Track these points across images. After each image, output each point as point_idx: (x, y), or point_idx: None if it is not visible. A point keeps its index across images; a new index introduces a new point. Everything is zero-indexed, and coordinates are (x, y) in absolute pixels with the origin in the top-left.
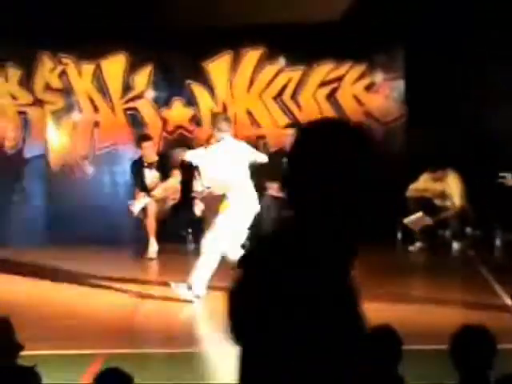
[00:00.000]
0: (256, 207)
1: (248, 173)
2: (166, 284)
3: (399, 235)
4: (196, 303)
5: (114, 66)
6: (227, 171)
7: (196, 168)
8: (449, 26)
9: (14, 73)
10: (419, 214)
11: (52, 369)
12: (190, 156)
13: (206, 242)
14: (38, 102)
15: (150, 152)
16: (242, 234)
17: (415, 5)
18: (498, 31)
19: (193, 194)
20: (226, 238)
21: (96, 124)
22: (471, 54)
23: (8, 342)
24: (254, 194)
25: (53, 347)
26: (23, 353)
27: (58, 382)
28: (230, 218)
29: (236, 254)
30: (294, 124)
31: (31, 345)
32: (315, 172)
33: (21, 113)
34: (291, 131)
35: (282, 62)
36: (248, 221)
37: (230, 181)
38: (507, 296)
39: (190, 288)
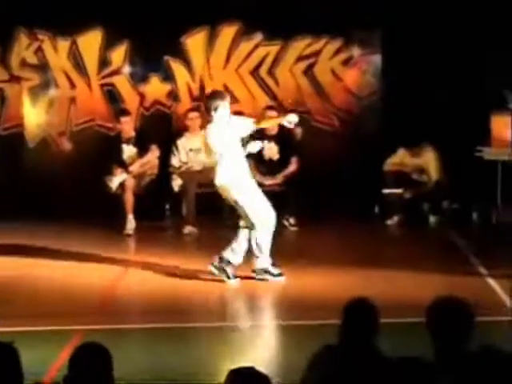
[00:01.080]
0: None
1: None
2: (144, 262)
3: (377, 209)
4: (174, 280)
5: (91, 41)
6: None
7: (174, 143)
8: (426, 1)
9: None
10: (399, 190)
11: (31, 345)
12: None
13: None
14: (15, 79)
15: (128, 127)
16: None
17: None
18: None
19: (170, 169)
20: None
21: (73, 100)
22: (447, 30)
23: None
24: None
25: (31, 324)
26: (1, 329)
27: (36, 358)
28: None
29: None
30: (273, 106)
31: (8, 321)
32: None
33: None
34: (272, 113)
35: (258, 37)
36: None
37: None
38: (484, 269)
39: (266, 272)
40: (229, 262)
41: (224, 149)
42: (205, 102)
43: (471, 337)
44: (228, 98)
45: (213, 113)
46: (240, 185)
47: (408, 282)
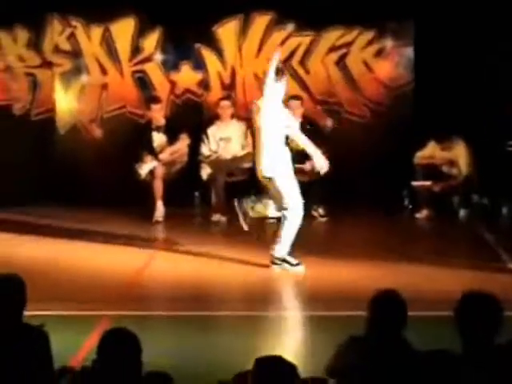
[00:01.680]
0: None
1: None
2: (173, 249)
3: (406, 202)
4: (202, 267)
5: (123, 28)
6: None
7: (204, 132)
8: None
9: (23, 35)
10: (429, 183)
11: (60, 329)
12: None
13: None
14: (47, 64)
15: (159, 115)
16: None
17: None
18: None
19: (200, 158)
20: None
21: (104, 86)
22: (482, 24)
23: (20, 300)
24: None
25: (60, 308)
26: (31, 313)
27: (65, 342)
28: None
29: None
30: (299, 96)
31: (38, 305)
32: None
33: (29, 74)
34: (295, 103)
35: (291, 27)
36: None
37: None
38: None
39: (284, 261)
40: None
41: (273, 129)
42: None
43: (499, 331)
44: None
45: (275, 80)
46: (283, 170)
47: (437, 275)
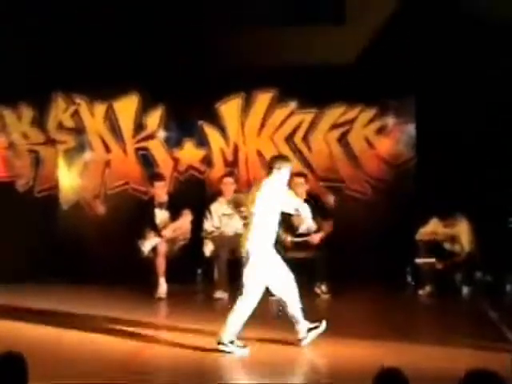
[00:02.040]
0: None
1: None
2: (175, 326)
3: (409, 278)
4: (205, 346)
5: (126, 106)
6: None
7: (207, 208)
8: (459, 70)
9: (27, 112)
10: (432, 260)
11: None
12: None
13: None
14: (50, 141)
15: (162, 192)
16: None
17: (427, 50)
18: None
19: (203, 234)
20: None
21: (107, 163)
22: (481, 101)
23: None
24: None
25: None
26: None
27: None
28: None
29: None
30: (302, 173)
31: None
32: None
33: (32, 151)
34: (300, 180)
35: (293, 104)
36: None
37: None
38: None
39: (231, 342)
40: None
41: (264, 209)
42: (270, 161)
43: None
44: (290, 166)
45: (275, 170)
46: (261, 254)
47: (439, 354)
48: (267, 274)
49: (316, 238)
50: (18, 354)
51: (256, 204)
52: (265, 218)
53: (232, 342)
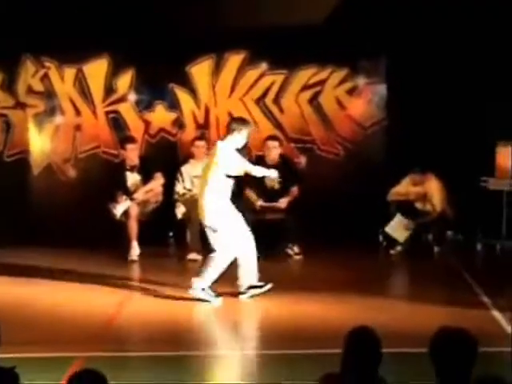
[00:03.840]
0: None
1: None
2: (148, 288)
3: (381, 238)
4: (177, 305)
5: (96, 69)
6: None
7: (178, 171)
8: (431, 31)
9: None
10: (397, 218)
11: (32, 371)
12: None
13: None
14: (20, 105)
15: (133, 155)
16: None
17: (398, 10)
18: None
19: (175, 197)
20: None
21: (78, 127)
22: (452, 61)
23: None
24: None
25: (33, 350)
26: (3, 355)
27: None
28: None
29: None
30: (276, 137)
31: (8, 347)
32: None
33: (2, 116)
34: (272, 143)
35: (264, 66)
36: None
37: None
38: (488, 299)
39: (203, 289)
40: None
41: (219, 175)
42: (230, 122)
43: (474, 367)
44: (248, 129)
45: (236, 132)
46: (222, 211)
47: (411, 312)
48: (230, 228)
49: (283, 203)
50: None
51: (212, 170)
52: (220, 182)
53: (203, 290)
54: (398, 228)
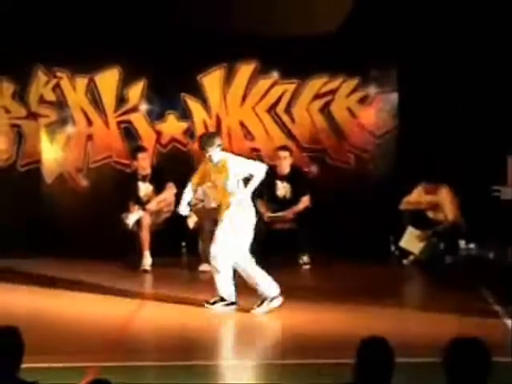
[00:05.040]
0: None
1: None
2: (160, 298)
3: (393, 248)
4: (189, 315)
5: (108, 79)
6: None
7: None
8: (442, 40)
9: (8, 86)
10: (409, 231)
11: (47, 381)
12: None
13: (214, 259)
14: (32, 116)
15: (145, 164)
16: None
17: (409, 19)
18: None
19: None
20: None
21: (90, 137)
22: (464, 69)
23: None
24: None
25: (46, 360)
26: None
27: None
28: (229, 230)
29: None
30: (287, 147)
31: (26, 358)
32: None
33: (14, 126)
34: (283, 153)
35: (275, 75)
36: (249, 231)
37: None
38: (501, 309)
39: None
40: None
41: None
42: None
43: (488, 377)
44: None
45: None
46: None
47: (424, 321)
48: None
49: (291, 213)
50: (13, 328)
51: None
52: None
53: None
54: (411, 240)
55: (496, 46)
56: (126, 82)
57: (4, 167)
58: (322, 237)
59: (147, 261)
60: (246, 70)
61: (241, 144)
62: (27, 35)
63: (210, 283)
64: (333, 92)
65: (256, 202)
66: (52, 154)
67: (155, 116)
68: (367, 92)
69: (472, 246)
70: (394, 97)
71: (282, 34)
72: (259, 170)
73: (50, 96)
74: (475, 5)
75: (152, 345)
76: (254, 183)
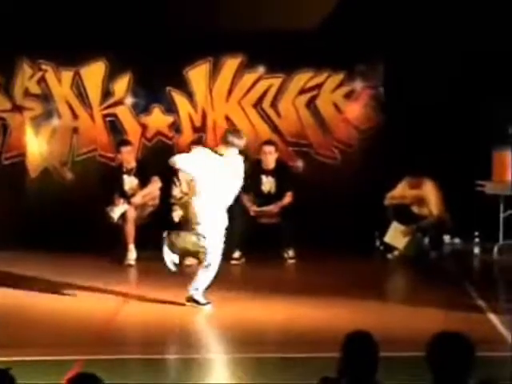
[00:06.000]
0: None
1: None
2: (145, 292)
3: (378, 243)
4: (174, 308)
5: (94, 72)
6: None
7: (175, 174)
8: (428, 35)
9: None
10: (393, 226)
11: (29, 375)
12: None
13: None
14: (17, 108)
15: (129, 157)
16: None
17: (395, 14)
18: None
19: (172, 200)
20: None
21: (75, 130)
22: (449, 64)
23: None
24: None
25: (30, 353)
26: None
27: None
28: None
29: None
30: (272, 142)
31: (6, 351)
32: None
33: None
34: (268, 148)
35: (261, 70)
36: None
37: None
38: (485, 304)
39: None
40: (197, 289)
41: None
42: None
43: (472, 372)
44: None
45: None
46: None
47: (408, 315)
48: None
49: (275, 208)
50: None
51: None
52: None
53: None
54: (396, 236)
55: (481, 42)
56: (111, 75)
57: None
58: (308, 231)
59: (132, 255)
60: (231, 64)
61: None
62: (12, 28)
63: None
64: (318, 87)
65: (241, 196)
66: (37, 147)
67: (140, 109)
68: (353, 87)
69: (457, 240)
70: (379, 92)
71: (268, 29)
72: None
73: (35, 89)
74: (460, 1)
75: (137, 338)
76: None
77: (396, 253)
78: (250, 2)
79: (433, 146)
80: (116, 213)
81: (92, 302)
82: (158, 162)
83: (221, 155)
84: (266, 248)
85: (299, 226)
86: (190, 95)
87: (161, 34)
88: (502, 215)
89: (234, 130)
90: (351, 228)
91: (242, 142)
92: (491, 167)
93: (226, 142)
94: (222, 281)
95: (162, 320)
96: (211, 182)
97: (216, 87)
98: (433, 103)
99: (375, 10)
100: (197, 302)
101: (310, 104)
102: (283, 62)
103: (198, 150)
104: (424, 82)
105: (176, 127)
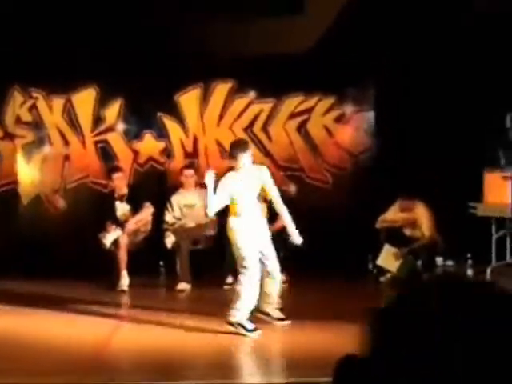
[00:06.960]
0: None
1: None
2: (138, 318)
3: (371, 266)
4: (167, 334)
5: (85, 99)
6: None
7: (168, 200)
8: (418, 59)
9: None
10: (385, 248)
11: None
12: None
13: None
14: (8, 136)
15: (121, 184)
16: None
17: (385, 38)
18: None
19: (164, 226)
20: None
21: (66, 157)
22: (439, 88)
23: None
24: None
25: (21, 380)
26: None
27: None
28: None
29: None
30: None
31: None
32: None
33: None
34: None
35: (251, 94)
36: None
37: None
38: None
39: (240, 325)
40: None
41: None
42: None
43: None
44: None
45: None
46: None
47: None
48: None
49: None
50: None
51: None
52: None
53: (240, 325)
54: (388, 258)
55: (471, 66)
56: (102, 101)
57: None
58: (300, 255)
59: (125, 281)
60: (222, 89)
61: (218, 163)
62: (3, 56)
63: (187, 302)
64: (309, 111)
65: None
66: (29, 174)
67: (132, 135)
68: (343, 110)
69: (449, 262)
70: (370, 115)
71: (258, 53)
72: None
73: (27, 116)
74: (451, 25)
75: (129, 365)
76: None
77: (388, 276)
78: (239, 28)
79: (424, 168)
80: (108, 239)
81: (84, 328)
82: (150, 188)
83: (237, 170)
84: None
85: (291, 249)
86: (181, 121)
87: (151, 61)
88: (494, 237)
89: (234, 141)
90: (344, 251)
91: (246, 149)
92: (482, 189)
93: (231, 157)
94: (215, 306)
95: (154, 346)
96: (247, 198)
97: (207, 112)
98: (423, 126)
99: (365, 34)
100: (243, 326)
101: (301, 128)
102: (273, 86)
103: (224, 179)
104: (414, 105)
105: (168, 153)
